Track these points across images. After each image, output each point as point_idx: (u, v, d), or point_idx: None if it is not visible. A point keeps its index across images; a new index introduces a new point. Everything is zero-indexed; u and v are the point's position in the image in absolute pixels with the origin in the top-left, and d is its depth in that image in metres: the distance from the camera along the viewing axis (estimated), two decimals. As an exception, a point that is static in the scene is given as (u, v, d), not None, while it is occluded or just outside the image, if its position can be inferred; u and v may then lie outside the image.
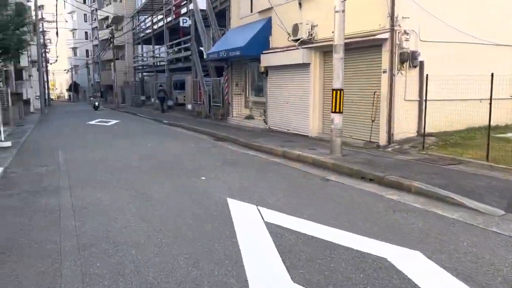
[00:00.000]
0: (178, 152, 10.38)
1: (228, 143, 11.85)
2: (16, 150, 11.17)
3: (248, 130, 14.40)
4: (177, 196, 6.05)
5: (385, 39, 9.41)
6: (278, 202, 5.60)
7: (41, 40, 42.89)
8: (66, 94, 76.22)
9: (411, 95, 9.70)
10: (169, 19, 26.16)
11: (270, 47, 14.34)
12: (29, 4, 32.62)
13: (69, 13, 70.15)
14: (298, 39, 12.26)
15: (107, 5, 52.81)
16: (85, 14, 69.68)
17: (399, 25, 9.38)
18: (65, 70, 75.51)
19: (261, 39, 14.36)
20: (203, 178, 7.19)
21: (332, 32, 8.80)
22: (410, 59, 9.48)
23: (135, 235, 4.42)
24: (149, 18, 31.55)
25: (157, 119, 21.07)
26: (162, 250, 3.97)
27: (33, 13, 32.63)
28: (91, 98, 34.54)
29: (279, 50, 13.61)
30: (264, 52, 14.35)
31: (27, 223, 4.94)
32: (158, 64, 30.89)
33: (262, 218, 4.82)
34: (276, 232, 4.35)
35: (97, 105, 31.44)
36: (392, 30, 9.37)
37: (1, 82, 21.26)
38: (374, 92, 9.91)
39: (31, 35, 26.81)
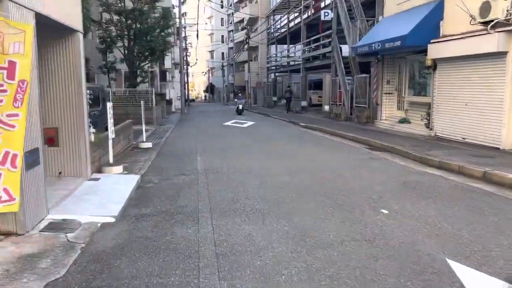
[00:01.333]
0: (332, 164, 8.44)
1: (388, 154, 9.51)
2: (155, 153, 10.60)
3: (407, 138, 11.78)
4: (359, 246, 4.07)
5: None
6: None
7: (183, 44, 45.58)
8: (203, 95, 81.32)
9: None
10: (307, 14, 24.57)
11: (441, 34, 11.48)
12: (174, 11, 34.57)
13: (208, 18, 74.48)
14: (490, 21, 9.28)
15: (242, 7, 54.13)
16: (221, 18, 73.21)
17: None
18: (202, 72, 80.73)
19: (429, 26, 11.60)
20: (384, 211, 5.10)
21: None
22: None
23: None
24: (285, 16, 30.53)
25: (292, 120, 19.60)
26: None
27: (177, 20, 34.48)
28: (235, 99, 28.07)
29: (455, 37, 10.70)
30: (432, 41, 11.56)
31: (157, 272, 3.50)
32: (293, 63, 29.65)
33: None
34: None
35: (240, 108, 25.81)
36: None
37: (147, 83, 22.22)
38: None
39: (174, 38, 27.96)
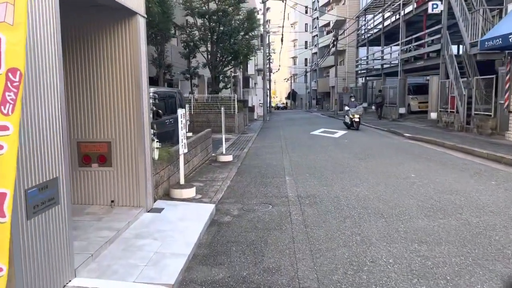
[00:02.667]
0: (482, 200, 5.91)
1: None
2: (236, 169, 8.87)
3: None
4: None
5: None
6: None
7: (267, 51, 44.41)
8: (284, 102, 79.99)
9: None
10: (407, 9, 21.56)
11: None
12: (258, 17, 33.40)
13: (292, 24, 73.14)
14: None
15: (328, 11, 51.77)
16: (305, 24, 71.51)
17: None
18: (285, 79, 79.47)
19: None
20: None
21: None
22: None
23: None
24: (379, 14, 27.62)
25: (391, 129, 16.83)
26: None
27: (261, 27, 33.27)
28: (346, 107, 19.21)
29: None
30: None
31: None
32: (387, 65, 26.60)
33: None
34: None
35: (357, 120, 17.61)
36: None
37: (229, 89, 20.96)
38: None
39: (258, 42, 26.58)
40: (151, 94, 8.62)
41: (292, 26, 72.16)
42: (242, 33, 21.14)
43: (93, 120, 4.96)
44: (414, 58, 20.92)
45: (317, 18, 56.93)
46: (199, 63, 20.55)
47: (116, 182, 5.03)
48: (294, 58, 77.68)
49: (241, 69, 30.18)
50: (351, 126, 17.98)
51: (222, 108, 10.43)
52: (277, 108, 64.20)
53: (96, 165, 5.00)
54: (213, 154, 11.09)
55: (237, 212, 5.49)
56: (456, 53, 16.58)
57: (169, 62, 20.95)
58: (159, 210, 5.20)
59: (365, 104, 30.53)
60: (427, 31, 18.97)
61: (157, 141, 5.73)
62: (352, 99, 19.59)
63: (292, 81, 76.18)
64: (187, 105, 18.07)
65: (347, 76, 43.08)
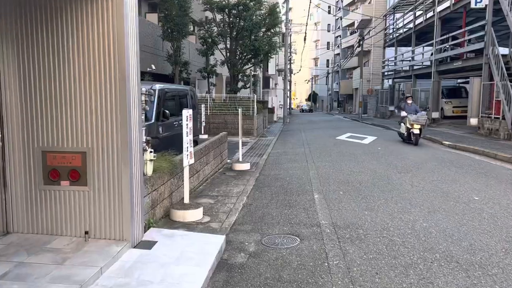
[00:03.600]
0: None
1: None
2: (253, 181, 7.51)
3: None
4: None
5: None
6: None
7: (288, 50, 42.96)
8: (309, 104, 78.37)
9: None
10: (443, 6, 19.79)
11: None
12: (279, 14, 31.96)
13: (314, 24, 71.47)
14: None
15: (353, 10, 50.02)
16: (328, 24, 69.91)
17: None
18: (305, 80, 77.80)
19: None
20: None
21: None
22: None
23: None
24: (410, 12, 25.85)
25: (427, 136, 15.19)
26: None
27: (283, 26, 31.88)
28: (401, 111, 13.43)
29: None
30: None
31: None
32: (417, 67, 24.84)
33: None
34: None
35: (416, 132, 12.51)
36: None
37: (249, 89, 19.63)
38: None
39: (279, 40, 25.17)
40: (154, 89, 7.36)
41: (315, 25, 70.45)
42: (263, 30, 19.81)
43: (63, 122, 3.67)
44: (451, 59, 19.15)
45: (341, 18, 55.21)
46: (217, 61, 19.32)
47: (93, 206, 3.73)
48: (315, 59, 76.04)
49: (261, 68, 28.86)
50: (407, 139, 12.91)
51: (239, 109, 9.08)
52: (302, 110, 61.30)
53: (67, 183, 3.71)
54: (228, 161, 9.79)
55: (254, 248, 4.12)
56: (503, 53, 14.81)
57: (186, 60, 19.79)
58: (150, 245, 3.87)
59: (391, 108, 28.69)
60: (467, 28, 17.21)
61: (151, 151, 4.41)
62: (410, 101, 13.55)
63: (313, 82, 74.48)
64: (202, 105, 16.85)
65: (372, 78, 41.26)
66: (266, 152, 11.99)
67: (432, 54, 22.48)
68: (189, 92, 9.23)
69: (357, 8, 47.16)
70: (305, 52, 55.48)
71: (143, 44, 18.07)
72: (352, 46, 44.95)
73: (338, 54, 58.87)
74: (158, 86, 7.67)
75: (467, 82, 25.08)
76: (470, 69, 17.73)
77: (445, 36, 19.73)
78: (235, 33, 18.40)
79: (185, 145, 5.07)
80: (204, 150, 7.49)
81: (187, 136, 5.11)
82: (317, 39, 73.29)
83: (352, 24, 49.71)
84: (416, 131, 12.48)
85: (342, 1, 55.05)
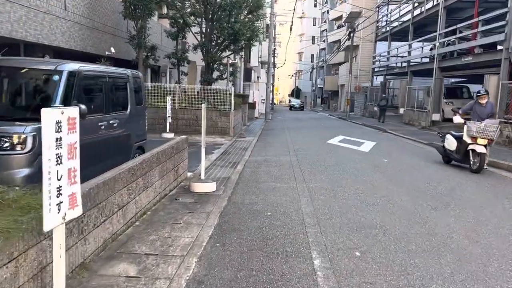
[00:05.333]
0: None
1: None
2: (216, 218, 4.83)
3: None
4: None
5: None
6: None
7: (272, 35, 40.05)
8: (287, 99, 75.56)
9: None
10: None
11: None
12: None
13: (299, 17, 68.83)
14: None
15: (340, 3, 47.55)
16: (314, 18, 67.58)
17: None
18: (289, 75, 75.20)
19: None
20: None
21: None
22: None
23: None
24: (407, 3, 23.48)
25: (435, 144, 12.79)
26: None
27: (268, 14, 29.17)
28: (455, 116, 8.70)
29: None
30: None
31: None
32: (417, 62, 22.52)
33: None
34: None
35: (482, 152, 8.02)
36: None
37: (226, 80, 16.80)
38: None
39: (263, 25, 22.40)
40: (61, 71, 4.60)
41: (301, 19, 67.87)
42: (245, 12, 17.06)
43: None
44: (457, 54, 16.80)
45: (328, 11, 52.80)
46: (189, 46, 16.49)
47: None
48: (300, 53, 73.54)
49: (242, 58, 26.10)
50: (462, 160, 8.66)
51: (203, 105, 6.33)
52: (291, 107, 48.34)
53: None
54: (189, 174, 7.13)
55: None
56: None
57: (153, 44, 16.86)
58: None
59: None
60: (481, 17, 14.83)
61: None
62: (485, 100, 8.66)
63: (297, 77, 72.01)
64: (169, 98, 14.02)
65: (360, 74, 38.90)
66: (242, 160, 9.32)
67: (431, 49, 20.19)
68: (130, 78, 6.41)
69: (345, 1, 44.72)
70: (289, 46, 52.84)
71: (101, 22, 15.06)
72: (339, 40, 42.59)
73: (324, 49, 56.59)
74: (69, 66, 4.86)
75: (464, 82, 23.03)
76: (481, 66, 15.42)
77: (451, 28, 17.35)
78: (211, 14, 15.56)
79: (48, 186, 2.29)
80: (139, 168, 4.73)
81: (56, 165, 2.34)
82: (302, 33, 70.80)
83: (340, 17, 47.25)
84: (481, 149, 8.11)
85: (329, -7, 52.61)
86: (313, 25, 67.75)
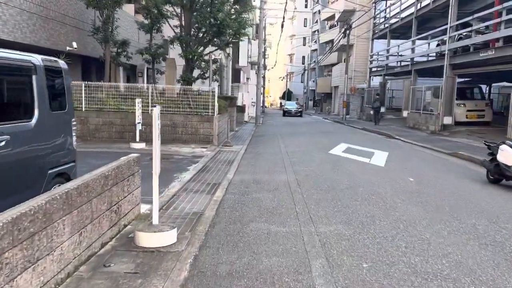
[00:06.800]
0: None
1: None
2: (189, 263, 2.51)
3: None
4: None
5: None
6: None
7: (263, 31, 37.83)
8: (278, 102, 73.49)
9: None
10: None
11: None
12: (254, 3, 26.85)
13: (290, 19, 66.82)
14: None
15: (332, 3, 45.58)
16: (305, 19, 65.88)
17: None
18: (280, 77, 73.10)
19: None
20: None
21: None
22: None
23: None
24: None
25: (460, 154, 10.62)
26: None
27: (257, 14, 27.05)
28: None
29: None
30: None
31: None
32: (423, 59, 20.43)
33: None
34: None
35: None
36: None
37: (208, 78, 14.42)
38: None
39: (252, 17, 20.16)
40: None
41: (290, 20, 65.89)
42: (231, 2, 14.80)
43: None
44: (474, 48, 14.70)
45: (319, 11, 50.88)
46: (165, 39, 14.18)
47: None
48: (291, 55, 71.61)
49: (228, 57, 23.85)
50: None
51: (155, 109, 4.02)
52: (285, 112, 37.44)
53: None
54: (144, 209, 4.86)
55: None
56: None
57: (125, 39, 14.51)
58: None
59: (383, 109, 24.24)
60: (505, 5, 12.73)
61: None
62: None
63: (288, 79, 69.96)
64: (138, 100, 11.66)
65: (354, 75, 36.79)
66: (224, 180, 7.03)
67: (437, 45, 18.14)
68: (40, 70, 4.03)
69: (337, 0, 42.71)
70: (279, 48, 50.71)
71: (60, 12, 12.68)
72: (332, 40, 40.59)
73: (315, 50, 54.67)
74: None
75: (468, 82, 21.07)
76: (504, 62, 13.35)
77: (464, 19, 15.27)
78: (190, 2, 13.21)
79: None
80: (17, 227, 2.38)
81: None
82: (293, 34, 68.78)
83: (332, 17, 45.16)
84: None
85: (321, -9, 50.60)
86: (304, 26, 65.99)
